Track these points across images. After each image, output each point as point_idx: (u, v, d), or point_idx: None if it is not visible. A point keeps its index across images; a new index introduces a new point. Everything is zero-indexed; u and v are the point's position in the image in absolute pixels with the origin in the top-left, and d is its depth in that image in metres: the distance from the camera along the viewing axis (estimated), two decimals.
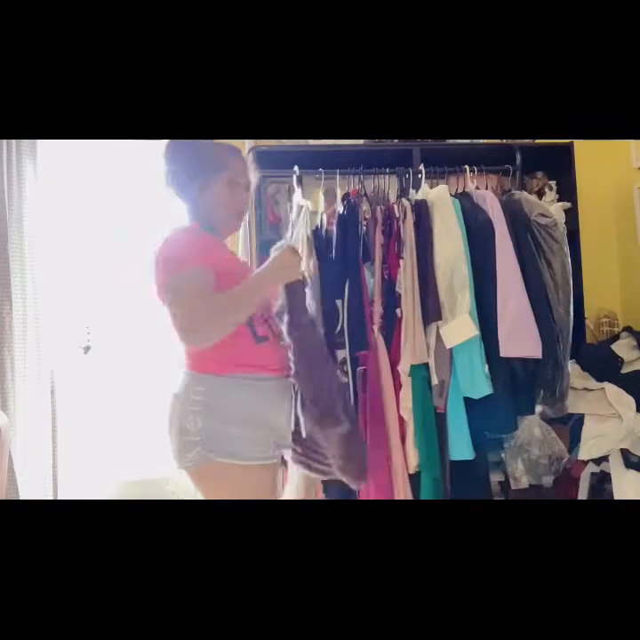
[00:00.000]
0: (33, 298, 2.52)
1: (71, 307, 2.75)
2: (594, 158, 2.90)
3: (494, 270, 2.24)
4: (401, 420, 2.22)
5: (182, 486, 2.87)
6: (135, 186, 2.82)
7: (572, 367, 2.44)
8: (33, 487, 2.45)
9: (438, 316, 2.16)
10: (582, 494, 2.38)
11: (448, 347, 2.17)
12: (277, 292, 1.42)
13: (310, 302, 1.76)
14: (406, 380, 2.20)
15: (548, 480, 2.49)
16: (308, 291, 1.51)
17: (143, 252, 2.90)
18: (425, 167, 2.49)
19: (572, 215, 2.59)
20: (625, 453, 2.20)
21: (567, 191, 2.70)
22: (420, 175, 2.48)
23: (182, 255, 1.31)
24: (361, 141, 2.65)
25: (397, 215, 2.32)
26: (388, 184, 2.56)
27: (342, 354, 2.24)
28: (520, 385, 2.26)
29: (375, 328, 2.26)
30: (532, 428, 2.42)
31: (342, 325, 2.24)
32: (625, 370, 2.46)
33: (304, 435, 1.33)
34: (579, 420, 2.37)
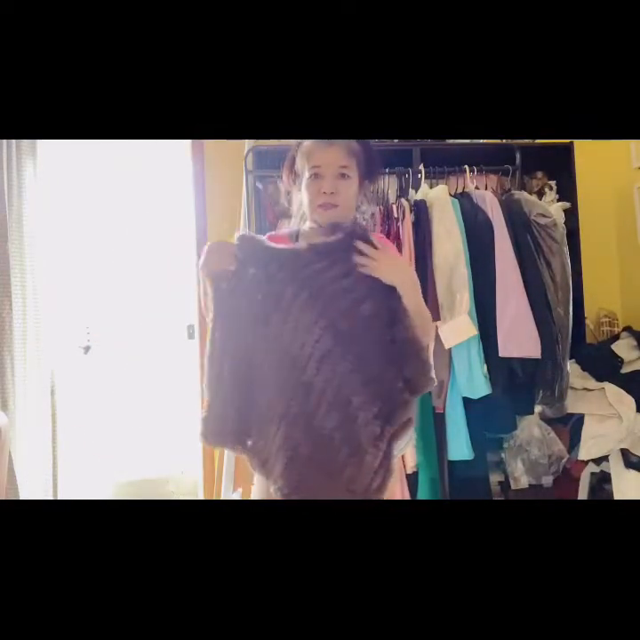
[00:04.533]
0: (33, 298, 2.52)
1: (71, 307, 2.75)
2: (594, 158, 2.90)
3: (493, 270, 2.24)
4: None
5: (182, 486, 2.87)
6: (135, 186, 2.82)
7: (571, 367, 2.44)
8: (33, 487, 2.45)
9: (437, 317, 2.16)
10: (582, 494, 2.38)
11: (447, 347, 2.17)
12: None
13: None
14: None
15: (547, 480, 2.49)
16: None
17: (143, 251, 2.91)
18: (425, 167, 2.49)
19: (571, 215, 2.59)
20: (625, 453, 2.20)
21: (567, 191, 2.70)
22: (419, 175, 2.48)
23: None
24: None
25: (396, 215, 2.32)
26: (388, 184, 2.57)
27: None
28: (519, 385, 2.26)
29: None
30: (531, 427, 2.42)
31: None
32: (625, 370, 2.46)
33: None
34: (579, 419, 2.37)
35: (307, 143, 1.41)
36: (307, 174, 1.38)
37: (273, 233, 1.55)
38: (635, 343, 2.57)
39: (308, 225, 1.47)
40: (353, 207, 1.45)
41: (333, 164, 1.36)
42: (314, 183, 1.37)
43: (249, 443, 1.25)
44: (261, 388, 1.24)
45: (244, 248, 1.30)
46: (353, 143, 1.39)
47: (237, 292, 1.27)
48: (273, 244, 1.34)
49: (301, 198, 1.43)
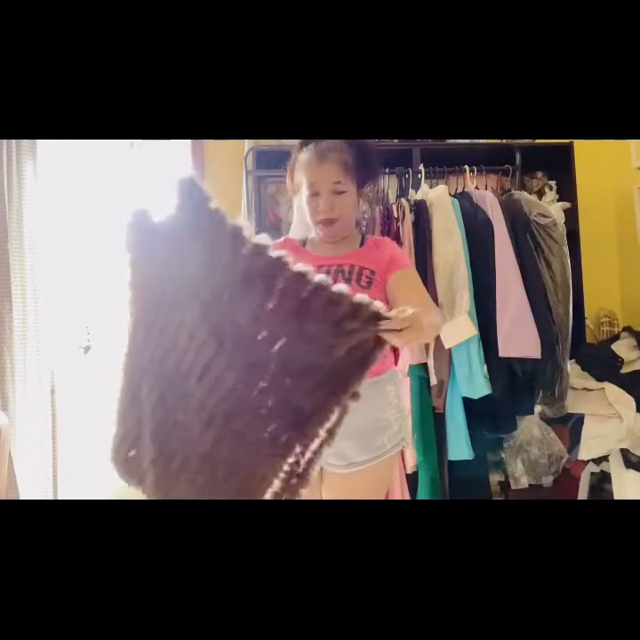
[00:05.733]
0: (33, 298, 2.51)
1: (71, 307, 2.74)
2: (594, 158, 2.90)
3: (493, 270, 2.24)
4: None
5: None
6: (135, 185, 2.81)
7: (571, 367, 2.44)
8: (33, 487, 2.45)
9: None
10: (582, 494, 2.38)
11: (447, 347, 2.17)
12: None
13: None
14: (405, 381, 2.20)
15: (547, 480, 2.49)
16: None
17: None
18: (425, 167, 2.49)
19: (571, 215, 2.59)
20: (625, 453, 2.21)
21: (567, 191, 2.70)
22: (419, 175, 2.48)
23: None
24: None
25: (396, 215, 2.32)
26: (388, 184, 2.57)
27: None
28: (519, 385, 2.26)
29: None
30: (531, 427, 2.42)
31: None
32: (625, 370, 2.46)
33: None
34: (579, 419, 2.37)
35: (302, 157, 1.42)
36: (305, 191, 1.40)
37: (288, 236, 1.58)
38: (635, 343, 2.57)
39: (313, 234, 1.50)
40: (353, 216, 1.49)
41: (328, 181, 1.39)
42: (312, 201, 1.41)
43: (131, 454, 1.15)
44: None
45: (134, 231, 1.07)
46: (345, 154, 1.40)
47: (139, 284, 1.08)
48: (155, 222, 1.06)
49: (302, 211, 1.46)
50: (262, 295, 0.94)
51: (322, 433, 0.99)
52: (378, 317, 0.91)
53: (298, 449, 1.00)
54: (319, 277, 0.91)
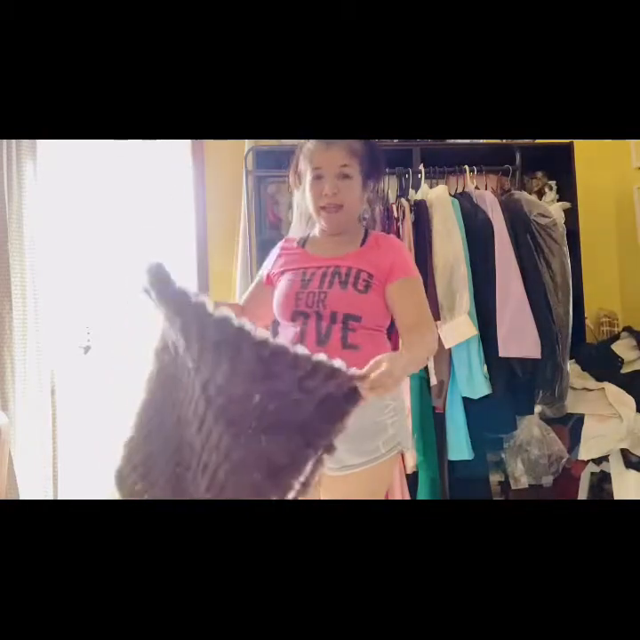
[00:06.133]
0: (33, 298, 2.51)
1: (71, 307, 2.74)
2: (594, 158, 2.90)
3: (493, 270, 2.24)
4: None
5: None
6: (135, 186, 2.81)
7: (571, 367, 2.44)
8: (33, 487, 2.45)
9: (437, 317, 2.16)
10: (582, 494, 2.38)
11: (447, 347, 2.17)
12: None
13: None
14: (405, 380, 2.20)
15: (547, 480, 2.49)
16: None
17: (143, 251, 2.91)
18: (425, 167, 2.49)
19: (571, 215, 2.59)
20: (625, 453, 2.21)
21: (567, 191, 2.70)
22: (419, 175, 2.48)
23: None
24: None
25: (396, 215, 2.32)
26: (388, 184, 2.56)
27: None
28: (519, 385, 2.26)
29: None
30: (531, 427, 2.42)
31: None
32: (625, 370, 2.46)
33: None
34: (579, 420, 2.37)
35: (308, 145, 1.40)
36: (309, 176, 1.38)
37: (288, 236, 1.56)
38: (635, 343, 2.57)
39: (316, 230, 1.47)
40: (358, 207, 1.44)
41: (334, 163, 1.36)
42: (316, 185, 1.37)
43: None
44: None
45: (154, 286, 1.17)
46: (354, 142, 1.38)
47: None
48: (172, 285, 1.16)
49: (305, 202, 1.43)
50: (233, 359, 1.05)
51: (296, 485, 1.03)
52: (336, 373, 0.99)
53: (274, 498, 1.04)
54: (276, 343, 1.02)
